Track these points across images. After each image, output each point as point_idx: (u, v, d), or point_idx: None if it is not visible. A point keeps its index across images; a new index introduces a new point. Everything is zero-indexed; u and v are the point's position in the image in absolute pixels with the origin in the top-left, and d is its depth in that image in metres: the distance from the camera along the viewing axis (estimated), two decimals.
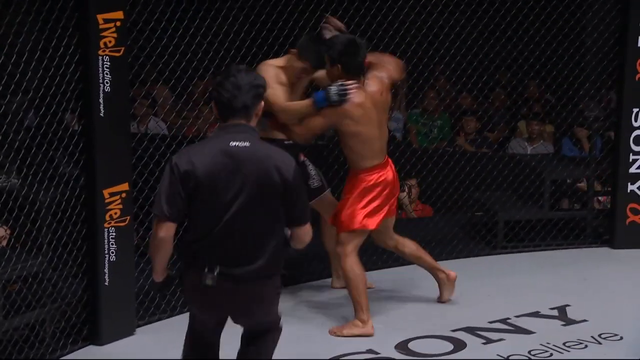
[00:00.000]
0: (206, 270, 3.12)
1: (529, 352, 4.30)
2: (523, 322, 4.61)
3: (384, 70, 4.46)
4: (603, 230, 5.84)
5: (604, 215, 5.88)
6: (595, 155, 6.02)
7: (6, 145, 4.13)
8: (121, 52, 4.21)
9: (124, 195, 4.34)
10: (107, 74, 4.18)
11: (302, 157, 4.78)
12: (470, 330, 4.52)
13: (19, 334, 4.18)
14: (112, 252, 4.33)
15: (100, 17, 4.11)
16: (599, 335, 4.44)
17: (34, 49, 4.07)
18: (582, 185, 6.19)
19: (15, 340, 4.15)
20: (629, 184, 5.65)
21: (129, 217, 4.38)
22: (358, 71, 4.34)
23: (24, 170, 4.22)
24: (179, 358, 3.41)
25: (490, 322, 4.61)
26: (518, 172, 5.98)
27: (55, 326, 4.30)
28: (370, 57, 4.46)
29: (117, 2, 4.17)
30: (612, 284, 5.14)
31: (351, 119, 4.32)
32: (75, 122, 4.42)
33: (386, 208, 4.49)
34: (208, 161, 3.10)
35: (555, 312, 4.72)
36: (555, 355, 4.29)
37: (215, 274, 3.12)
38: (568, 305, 4.78)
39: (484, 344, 4.40)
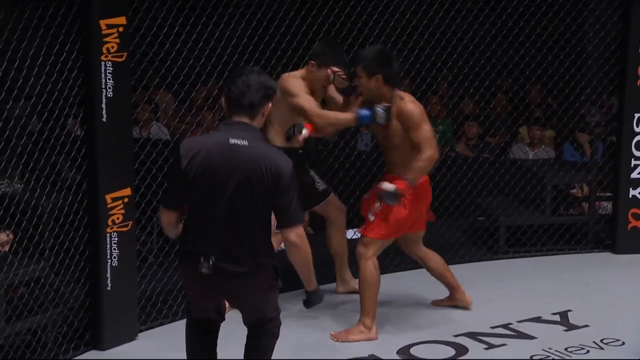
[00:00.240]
0: (202, 259, 3.22)
1: (531, 357, 4.30)
2: (525, 328, 4.61)
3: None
4: (605, 236, 5.84)
5: (605, 220, 5.88)
6: (597, 161, 6.02)
7: (9, 151, 4.14)
8: (124, 58, 4.22)
9: (126, 200, 4.34)
10: (109, 79, 4.19)
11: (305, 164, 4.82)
12: (473, 335, 4.52)
13: (21, 339, 4.18)
14: (115, 257, 4.34)
15: (102, 23, 4.12)
16: (601, 341, 4.44)
17: (36, 55, 4.08)
18: (575, 191, 6.20)
19: (18, 345, 4.15)
20: (630, 189, 5.66)
21: (131, 222, 4.39)
22: (397, 81, 4.34)
23: (27, 176, 4.23)
24: None
25: (493, 328, 4.61)
26: (519, 177, 5.98)
27: (58, 331, 4.30)
28: None
29: (119, 7, 4.19)
30: (614, 289, 5.14)
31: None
32: (77, 127, 4.43)
33: (413, 219, 4.43)
34: (206, 155, 3.21)
35: (557, 317, 4.73)
36: None
37: (211, 263, 3.22)
38: (570, 311, 4.78)
39: (486, 349, 4.40)
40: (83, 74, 4.19)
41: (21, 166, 4.22)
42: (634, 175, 5.64)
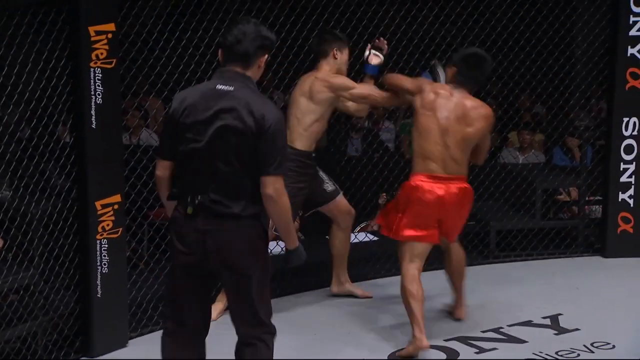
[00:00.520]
0: (188, 199, 3.20)
1: None
2: (516, 332, 4.62)
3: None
4: (595, 239, 5.86)
5: (595, 224, 5.90)
6: (587, 165, 6.05)
7: None
8: (113, 64, 4.21)
9: (116, 207, 4.33)
10: (98, 86, 4.18)
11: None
12: (463, 339, 4.52)
13: (10, 347, 4.16)
14: (105, 264, 4.33)
15: (91, 30, 4.12)
16: (592, 344, 4.45)
17: (25, 62, 4.07)
18: (562, 197, 6.22)
19: (7, 353, 4.13)
20: (620, 192, 5.67)
21: (121, 229, 4.38)
22: (468, 82, 4.33)
23: (16, 183, 4.22)
24: None
25: (483, 332, 4.62)
26: (510, 182, 6.00)
27: (47, 339, 4.29)
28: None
29: (108, 14, 4.18)
30: (604, 292, 5.15)
31: (424, 96, 4.31)
32: (67, 134, 4.42)
33: (426, 226, 4.31)
34: (192, 101, 3.19)
35: (547, 321, 4.73)
36: None
37: (196, 202, 3.18)
38: (560, 314, 4.79)
39: (476, 353, 4.41)
40: (72, 80, 4.18)
41: (10, 173, 4.21)
42: (623, 179, 5.66)
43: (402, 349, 4.37)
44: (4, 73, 4.02)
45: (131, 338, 4.53)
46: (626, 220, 5.70)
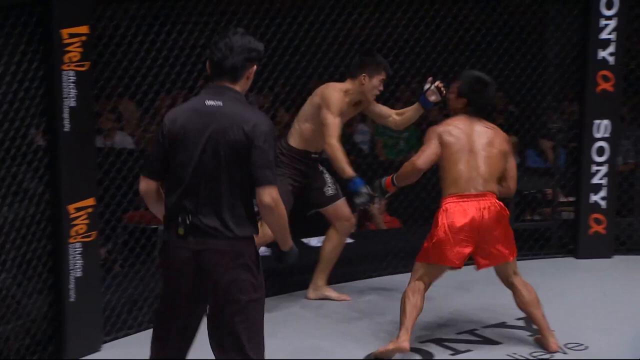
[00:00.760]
0: (179, 220, 3.12)
1: None
2: (490, 333, 4.64)
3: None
4: (567, 241, 5.91)
5: (568, 225, 5.95)
6: (560, 167, 6.09)
7: None
8: (86, 67, 4.19)
9: (89, 210, 4.31)
10: (72, 88, 4.16)
11: (319, 167, 4.97)
12: (438, 341, 4.54)
13: None
14: (78, 268, 4.30)
15: (64, 32, 4.09)
16: (565, 345, 4.48)
17: None
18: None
19: None
20: (591, 194, 5.73)
21: (94, 233, 4.35)
22: (480, 110, 4.37)
23: None
24: None
25: (458, 334, 4.64)
26: None
27: (20, 343, 4.25)
28: None
29: (81, 16, 4.15)
30: (577, 293, 5.20)
31: (446, 134, 4.35)
32: (40, 137, 4.39)
33: (454, 246, 4.29)
34: (183, 121, 3.14)
35: (521, 323, 4.76)
36: None
37: (188, 222, 3.10)
38: None
39: (451, 354, 4.42)
40: (45, 83, 4.15)
41: None
42: (595, 180, 5.72)
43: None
44: None
45: (105, 342, 4.51)
46: (598, 222, 5.75)
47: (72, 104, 4.17)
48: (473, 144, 4.34)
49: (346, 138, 7.57)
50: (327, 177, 4.97)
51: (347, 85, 4.82)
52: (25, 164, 4.21)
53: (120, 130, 7.28)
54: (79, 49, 4.14)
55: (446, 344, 4.52)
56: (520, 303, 4.45)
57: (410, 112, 4.96)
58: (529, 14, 5.92)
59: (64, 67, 4.12)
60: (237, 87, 3.18)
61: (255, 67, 3.20)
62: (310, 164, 4.89)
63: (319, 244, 5.26)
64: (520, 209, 6.00)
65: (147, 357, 3.41)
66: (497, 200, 4.33)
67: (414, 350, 4.44)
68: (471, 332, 4.66)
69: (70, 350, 4.32)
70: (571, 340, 4.53)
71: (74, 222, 4.26)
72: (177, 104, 6.50)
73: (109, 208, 4.73)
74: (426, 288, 4.38)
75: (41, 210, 4.25)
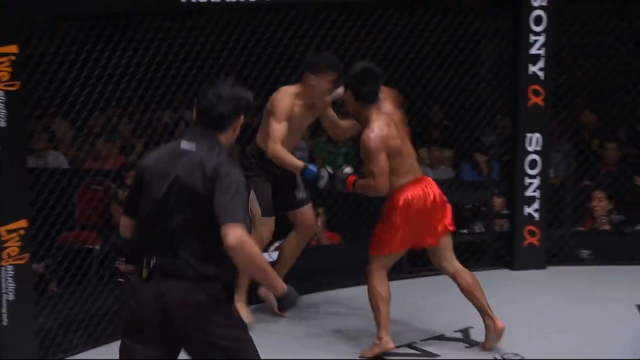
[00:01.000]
0: (144, 262, 3.05)
1: None
2: (428, 346, 4.68)
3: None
4: (503, 253, 5.99)
5: (503, 238, 6.04)
6: (494, 180, 6.19)
7: None
8: (16, 87, 4.12)
9: (22, 232, 4.23)
10: (1, 109, 4.09)
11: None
12: (378, 356, 4.54)
13: None
14: (10, 291, 4.21)
15: None
16: (501, 356, 4.55)
17: None
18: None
19: None
20: (525, 206, 5.82)
21: (27, 255, 4.27)
22: (369, 99, 4.36)
23: None
24: None
25: (397, 347, 4.65)
26: None
27: None
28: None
29: (10, 36, 4.08)
30: (512, 305, 5.26)
31: (391, 139, 4.38)
32: None
33: (417, 229, 4.47)
34: (154, 159, 3.13)
35: (459, 335, 4.82)
36: None
37: (152, 264, 3.03)
38: (471, 327, 4.87)
39: None
40: None
41: None
42: (528, 193, 5.81)
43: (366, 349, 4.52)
44: None
45: None
46: (532, 234, 5.84)
47: (2, 124, 4.10)
48: (402, 132, 4.46)
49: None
50: (300, 182, 4.93)
51: (297, 88, 4.77)
52: None
53: (53, 150, 7.17)
54: (8, 69, 4.07)
55: (385, 357, 4.54)
56: (465, 287, 4.61)
57: (348, 123, 4.96)
58: (461, 30, 6.02)
59: None
60: (221, 137, 3.09)
61: (242, 118, 3.13)
62: (273, 164, 4.83)
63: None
64: (456, 222, 6.06)
65: None
66: (430, 179, 4.57)
67: None
68: (410, 345, 4.69)
69: None
70: (507, 350, 4.59)
71: (6, 245, 4.18)
72: (110, 121, 6.49)
73: (42, 230, 4.65)
74: (387, 274, 4.54)
75: None
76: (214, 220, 2.96)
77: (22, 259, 4.25)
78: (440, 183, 6.39)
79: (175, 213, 3.04)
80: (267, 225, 4.83)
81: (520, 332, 4.83)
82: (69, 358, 4.56)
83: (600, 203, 6.42)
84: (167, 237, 3.05)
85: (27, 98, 4.35)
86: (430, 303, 5.25)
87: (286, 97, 4.74)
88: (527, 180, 5.79)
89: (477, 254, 5.95)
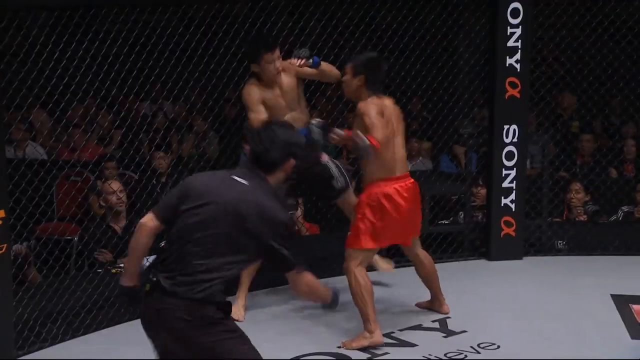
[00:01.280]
0: (150, 276, 3.12)
1: None
2: (406, 336, 4.72)
3: None
4: (479, 243, 6.04)
5: (480, 228, 6.09)
6: (471, 171, 6.23)
7: None
8: None
9: (0, 222, 4.22)
10: None
11: (324, 158, 4.98)
12: None
13: None
14: None
15: None
16: (478, 345, 4.59)
17: None
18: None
19: None
20: (502, 197, 5.87)
21: (5, 245, 4.25)
22: (376, 87, 4.48)
23: None
24: None
25: None
26: None
27: None
28: None
29: None
30: (489, 294, 5.32)
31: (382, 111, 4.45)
32: None
33: (396, 227, 4.54)
34: (206, 182, 3.18)
35: (436, 325, 4.86)
36: None
37: (154, 280, 3.10)
38: (449, 317, 4.92)
39: (369, 358, 4.48)
40: None
41: None
42: (505, 184, 5.85)
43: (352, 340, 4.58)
44: None
45: (18, 356, 4.41)
46: (508, 224, 5.89)
47: None
48: (394, 125, 4.54)
49: None
50: (335, 170, 5.00)
51: (254, 77, 4.84)
52: None
53: (31, 141, 7.15)
54: None
55: (363, 348, 4.58)
56: (423, 271, 4.84)
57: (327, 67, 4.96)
58: (440, 22, 6.05)
59: None
60: (271, 179, 3.20)
61: (292, 161, 3.23)
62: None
63: None
64: (434, 213, 6.11)
65: None
66: (413, 180, 4.65)
67: (331, 354, 4.50)
68: (388, 335, 4.72)
69: None
70: (484, 340, 4.64)
71: None
72: (89, 112, 6.47)
73: (21, 220, 4.64)
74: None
75: None
76: (244, 254, 3.13)
77: (0, 249, 4.24)
78: (419, 175, 6.51)
79: (207, 241, 3.09)
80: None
81: (496, 322, 4.89)
82: (48, 349, 4.56)
83: (577, 195, 6.49)
84: (189, 257, 3.10)
85: (5, 88, 4.33)
86: (408, 294, 5.29)
87: (249, 87, 4.81)
88: (504, 172, 5.84)
89: (454, 244, 6.00)
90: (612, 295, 5.21)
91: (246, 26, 5.42)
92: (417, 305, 5.04)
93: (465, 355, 4.49)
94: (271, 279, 5.25)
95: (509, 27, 5.67)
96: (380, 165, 4.48)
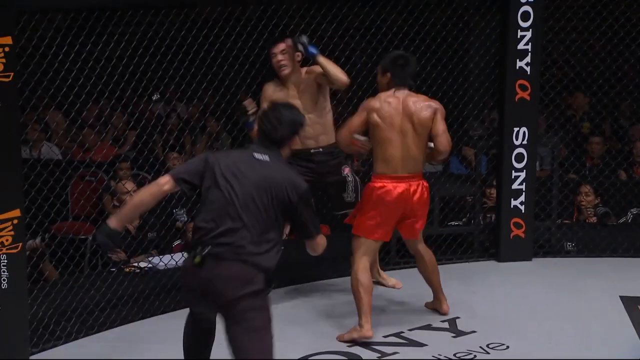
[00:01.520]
0: (198, 249, 3.41)
1: None
2: (416, 335, 4.75)
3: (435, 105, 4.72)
4: (489, 245, 6.07)
5: (489, 230, 6.11)
6: (481, 173, 6.26)
7: None
8: (10, 78, 4.16)
9: (15, 222, 4.27)
10: None
11: (345, 171, 5.18)
12: (366, 344, 4.62)
13: None
14: (4, 280, 4.26)
15: None
16: (487, 345, 4.62)
17: None
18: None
19: None
20: (512, 199, 5.89)
21: (21, 244, 4.32)
22: (404, 81, 4.65)
23: None
24: None
25: (385, 337, 4.73)
26: None
27: None
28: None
29: (4, 27, 4.12)
30: (498, 295, 5.35)
31: (377, 112, 4.59)
32: None
33: (391, 225, 4.69)
34: (232, 160, 3.52)
35: (446, 325, 4.89)
36: None
37: (205, 252, 3.39)
38: (458, 318, 4.95)
39: (379, 357, 4.51)
40: None
41: None
42: (514, 186, 5.88)
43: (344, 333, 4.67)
44: None
45: (32, 354, 4.47)
46: (518, 226, 5.92)
47: None
48: (403, 122, 4.61)
49: None
50: (350, 184, 5.18)
51: (275, 81, 5.08)
52: None
53: (47, 141, 7.22)
54: (2, 60, 4.11)
55: (373, 347, 4.61)
56: (422, 267, 4.91)
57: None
58: (450, 25, 6.08)
59: None
60: (282, 153, 3.60)
61: (297, 137, 3.65)
62: (314, 159, 5.07)
63: None
64: (444, 214, 6.14)
65: None
66: (423, 181, 4.73)
67: (342, 354, 4.53)
68: (397, 334, 4.76)
69: None
70: (493, 340, 4.67)
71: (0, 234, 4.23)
72: (103, 113, 6.53)
73: (36, 219, 4.70)
74: (370, 265, 4.74)
75: None
76: (278, 222, 3.49)
77: (15, 247, 4.30)
78: (429, 176, 6.54)
79: (249, 213, 3.43)
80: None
81: (506, 322, 4.91)
82: (62, 346, 4.62)
83: (587, 198, 6.51)
84: (231, 232, 3.41)
85: (21, 89, 4.39)
86: (418, 293, 5.32)
87: (266, 87, 5.07)
88: (514, 174, 5.87)
89: (463, 245, 6.03)
90: (621, 297, 5.23)
91: (259, 28, 5.47)
92: (425, 305, 5.08)
93: (475, 356, 4.52)
94: (281, 280, 5.31)
95: (519, 30, 5.71)
96: (379, 160, 4.65)
